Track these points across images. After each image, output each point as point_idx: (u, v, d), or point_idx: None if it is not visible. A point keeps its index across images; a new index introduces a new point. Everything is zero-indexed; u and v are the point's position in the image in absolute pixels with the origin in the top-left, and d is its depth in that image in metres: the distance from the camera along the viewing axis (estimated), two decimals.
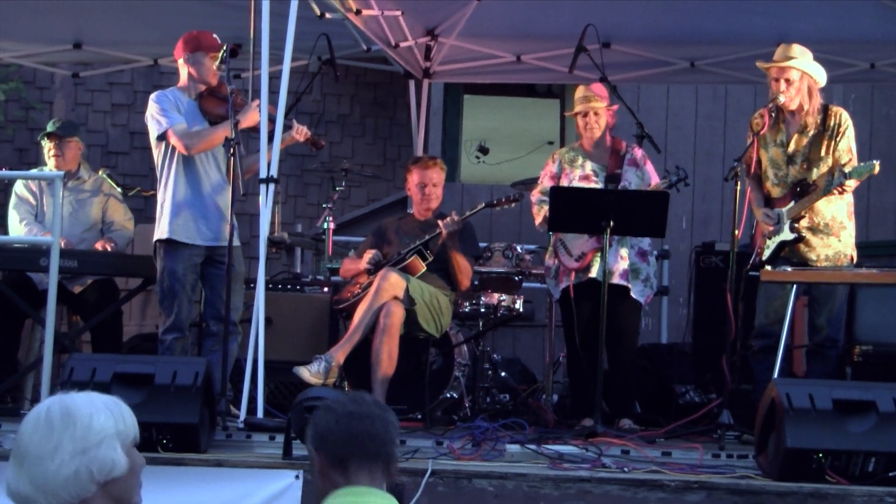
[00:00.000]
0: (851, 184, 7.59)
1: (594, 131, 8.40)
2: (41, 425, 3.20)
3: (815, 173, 7.83)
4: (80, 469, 3.16)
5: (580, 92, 8.47)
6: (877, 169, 7.55)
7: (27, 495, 3.18)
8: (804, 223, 7.83)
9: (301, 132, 7.92)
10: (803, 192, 7.81)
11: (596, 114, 8.39)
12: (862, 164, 7.63)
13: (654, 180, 8.31)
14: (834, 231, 7.86)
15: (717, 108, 13.33)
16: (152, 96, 7.99)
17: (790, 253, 7.87)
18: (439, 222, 8.26)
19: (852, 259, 7.92)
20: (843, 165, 7.69)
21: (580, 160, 8.46)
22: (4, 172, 9.77)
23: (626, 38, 10.12)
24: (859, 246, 8.14)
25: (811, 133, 7.87)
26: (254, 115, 7.66)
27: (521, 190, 9.45)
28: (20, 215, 8.89)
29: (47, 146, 8.97)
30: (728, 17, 9.58)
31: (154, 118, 7.86)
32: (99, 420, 3.20)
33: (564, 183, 8.40)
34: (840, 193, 7.70)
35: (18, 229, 8.83)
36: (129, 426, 3.25)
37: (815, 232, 7.84)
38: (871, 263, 8.51)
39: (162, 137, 7.84)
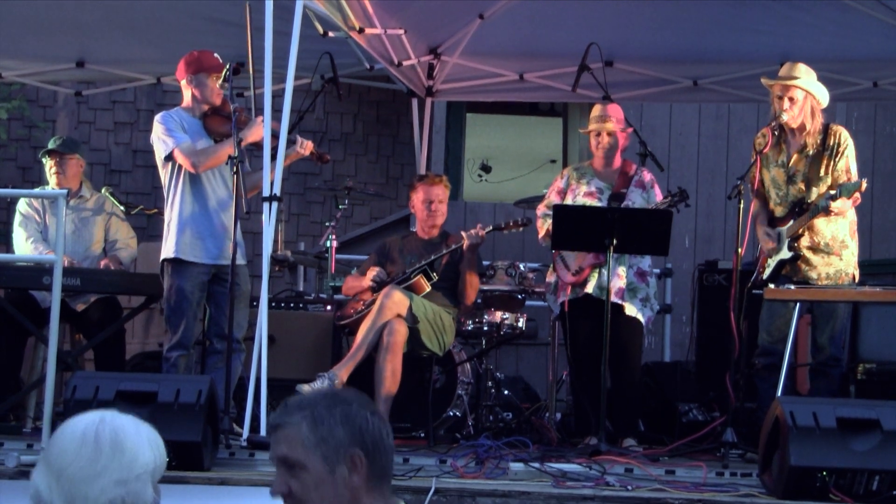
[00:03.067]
0: (838, 204, 7.58)
1: (605, 151, 8.41)
2: (89, 446, 3.17)
3: (813, 193, 7.84)
4: (115, 498, 3.15)
5: (596, 111, 8.49)
6: (863, 186, 7.54)
7: None
8: (805, 242, 7.83)
9: (306, 146, 7.92)
10: (802, 211, 7.81)
11: (609, 134, 8.40)
12: (850, 182, 7.63)
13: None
14: (835, 250, 7.86)
15: (720, 126, 13.33)
16: (157, 117, 7.99)
17: (791, 271, 7.87)
18: (462, 233, 8.29)
19: (854, 278, 7.91)
20: (839, 185, 7.69)
21: (587, 178, 8.47)
22: (7, 191, 9.79)
23: (630, 56, 10.13)
24: (863, 264, 8.13)
25: (811, 153, 7.88)
26: (258, 130, 7.67)
27: (524, 208, 9.46)
28: (27, 233, 8.88)
29: (48, 164, 8.96)
30: (731, 36, 9.58)
31: (160, 139, 7.86)
32: (144, 454, 3.19)
33: (570, 198, 8.41)
34: (827, 214, 7.70)
35: (25, 247, 8.82)
36: (162, 463, 3.24)
37: (816, 251, 7.84)
38: (875, 282, 8.51)
39: (169, 158, 7.84)
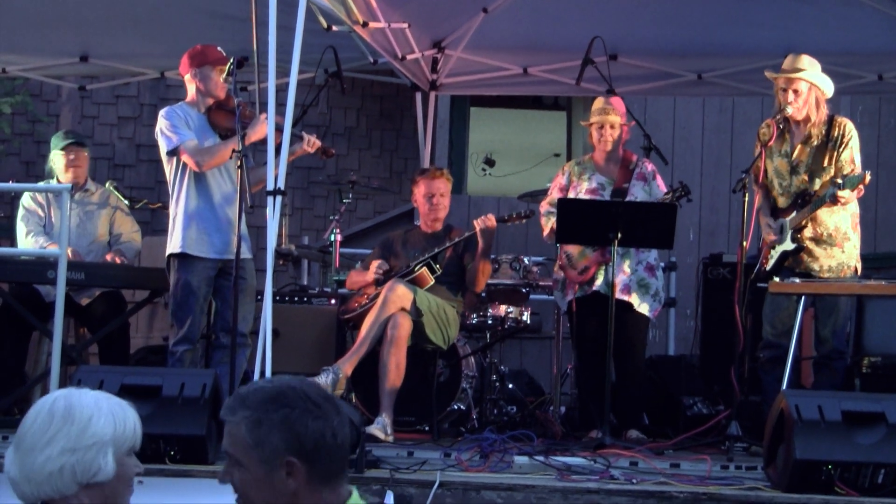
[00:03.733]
0: (845, 194, 7.57)
1: (607, 144, 8.41)
2: (42, 416, 3.26)
3: (817, 184, 7.83)
4: (64, 466, 3.23)
5: (598, 104, 8.48)
6: (867, 179, 7.52)
7: (15, 480, 3.27)
8: (807, 233, 7.82)
9: (312, 144, 7.91)
10: (805, 202, 7.80)
11: (612, 127, 8.40)
12: (854, 174, 7.61)
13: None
14: (837, 242, 7.84)
15: (724, 119, 13.32)
16: (162, 112, 7.99)
17: (794, 263, 7.86)
18: (474, 222, 8.28)
19: (856, 270, 7.90)
20: (844, 176, 7.68)
21: (588, 173, 8.47)
22: (12, 185, 9.78)
23: (634, 50, 10.12)
24: (867, 258, 8.12)
25: (815, 143, 7.87)
26: (262, 129, 7.66)
27: (528, 202, 9.46)
28: (28, 227, 8.88)
29: (62, 159, 8.91)
30: (735, 30, 9.58)
31: (164, 134, 7.86)
32: (98, 423, 3.25)
33: (572, 194, 8.41)
34: (833, 204, 7.68)
35: (27, 242, 8.81)
36: (129, 433, 3.29)
37: (819, 243, 7.83)
38: (880, 275, 8.49)
39: (173, 153, 7.84)
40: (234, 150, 7.55)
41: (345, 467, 3.21)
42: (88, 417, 3.25)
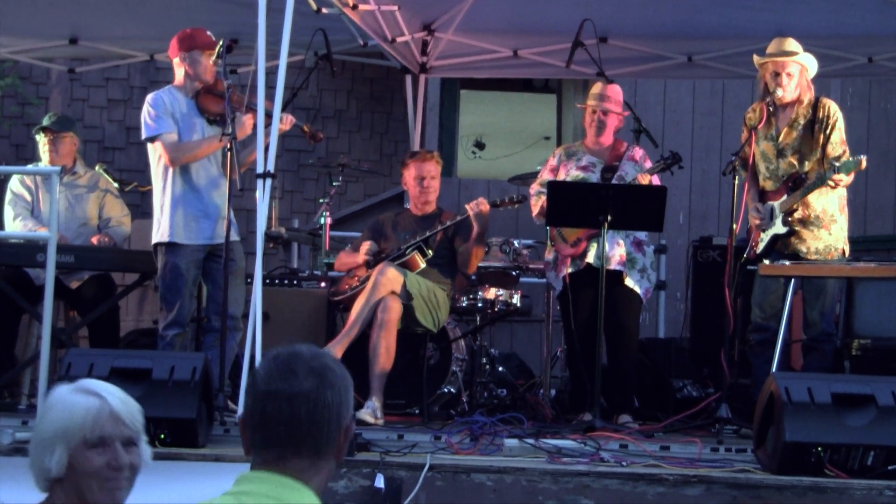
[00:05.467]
0: (840, 178, 7.59)
1: (599, 129, 8.41)
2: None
3: (806, 166, 7.84)
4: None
5: (597, 88, 8.50)
6: (863, 164, 7.54)
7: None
8: (796, 215, 7.83)
9: (286, 121, 7.86)
10: (796, 185, 7.81)
11: (605, 114, 8.40)
12: (850, 159, 7.62)
13: (655, 180, 8.31)
14: (824, 224, 7.85)
15: (714, 103, 13.32)
16: (148, 98, 7.98)
17: (782, 245, 7.87)
18: (467, 206, 8.26)
19: (844, 253, 7.92)
20: (837, 158, 7.68)
21: (580, 154, 8.48)
22: (0, 168, 9.76)
23: (624, 32, 10.09)
24: (856, 240, 8.13)
25: (801, 123, 7.88)
26: (247, 126, 7.68)
27: (518, 185, 9.46)
28: (15, 212, 8.86)
29: (42, 141, 8.94)
30: (725, 12, 9.55)
31: (145, 121, 7.88)
32: (46, 419, 3.21)
33: (563, 173, 8.42)
34: (834, 188, 7.70)
35: (14, 226, 8.81)
36: (76, 425, 3.18)
37: (806, 224, 7.84)
38: (869, 257, 8.50)
39: (151, 140, 7.85)
40: (223, 134, 7.55)
41: None
42: (43, 414, 3.22)
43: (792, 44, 7.89)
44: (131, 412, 3.30)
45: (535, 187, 8.56)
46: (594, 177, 8.32)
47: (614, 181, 8.20)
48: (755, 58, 8.07)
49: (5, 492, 3.28)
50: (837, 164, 7.57)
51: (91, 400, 3.21)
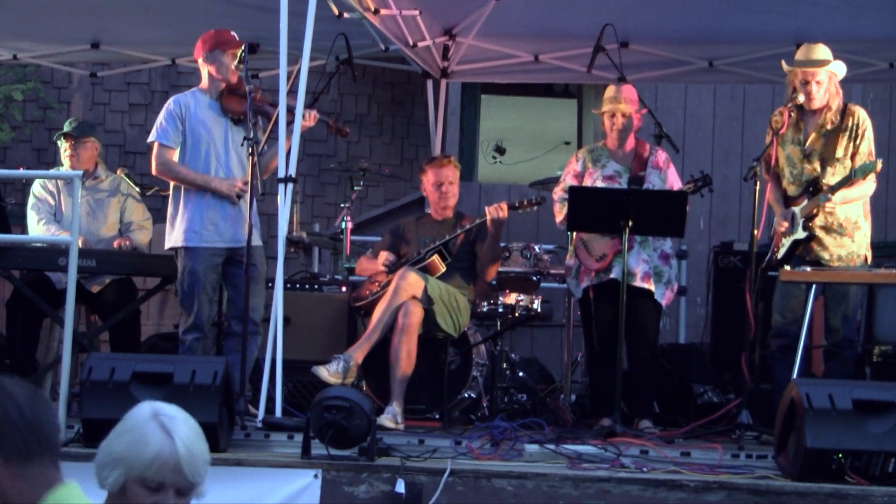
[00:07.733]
0: (837, 198, 7.61)
1: (619, 132, 8.38)
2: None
3: (828, 172, 7.81)
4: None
5: (610, 91, 8.46)
6: (879, 167, 7.54)
7: None
8: (818, 222, 7.80)
9: (310, 117, 7.87)
10: (816, 191, 7.79)
11: (623, 115, 8.38)
12: (866, 162, 7.62)
13: (676, 186, 8.30)
14: (848, 231, 7.83)
15: (735, 107, 13.31)
16: (168, 101, 8.04)
17: (804, 251, 7.86)
18: (486, 209, 8.26)
19: (867, 259, 7.89)
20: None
21: (604, 160, 8.45)
22: (23, 172, 9.81)
23: (645, 37, 10.10)
24: (878, 246, 8.11)
25: (828, 128, 7.85)
26: (310, 120, 7.76)
27: (538, 190, 9.44)
28: (39, 215, 8.89)
29: (63, 146, 8.98)
30: (746, 17, 9.55)
31: (156, 124, 7.94)
32: (120, 439, 3.26)
33: (588, 182, 8.38)
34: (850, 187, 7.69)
35: (38, 229, 8.83)
36: (140, 464, 3.21)
37: (829, 231, 7.82)
38: (891, 263, 8.49)
39: (152, 143, 7.92)
40: (245, 138, 7.57)
41: (49, 448, 3.10)
42: (121, 430, 3.26)
43: (821, 51, 7.85)
44: (195, 463, 3.27)
45: (558, 193, 8.53)
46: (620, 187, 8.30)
47: None
48: (784, 64, 8.03)
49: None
50: (854, 171, 7.57)
51: (163, 442, 3.22)
